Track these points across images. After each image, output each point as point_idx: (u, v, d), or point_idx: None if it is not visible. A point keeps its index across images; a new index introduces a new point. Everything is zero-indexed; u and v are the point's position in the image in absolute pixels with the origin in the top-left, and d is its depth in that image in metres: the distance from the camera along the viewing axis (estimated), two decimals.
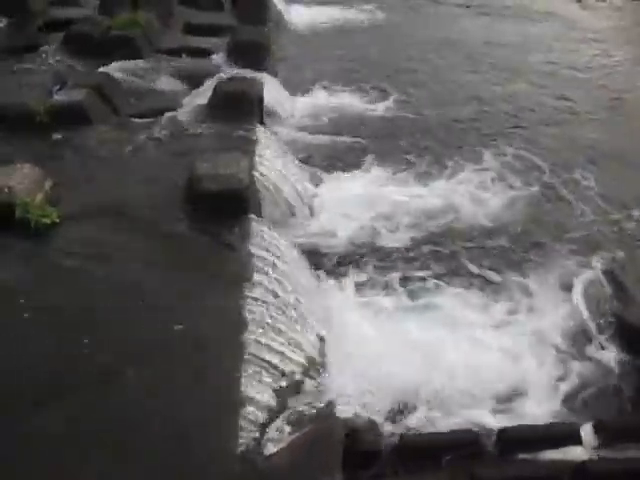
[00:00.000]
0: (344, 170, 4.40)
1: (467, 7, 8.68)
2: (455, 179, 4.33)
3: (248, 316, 2.58)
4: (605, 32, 7.61)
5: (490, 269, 3.50)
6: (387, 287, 3.31)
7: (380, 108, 5.43)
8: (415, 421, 2.52)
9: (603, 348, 2.97)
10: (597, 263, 3.49)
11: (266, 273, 2.84)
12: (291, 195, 3.66)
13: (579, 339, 3.05)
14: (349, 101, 5.46)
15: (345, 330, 2.94)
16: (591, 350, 2.99)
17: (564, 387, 2.77)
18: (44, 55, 5.48)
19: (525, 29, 7.72)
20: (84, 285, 2.77)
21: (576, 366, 2.88)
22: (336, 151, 4.68)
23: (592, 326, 3.09)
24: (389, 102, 5.51)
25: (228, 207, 3.13)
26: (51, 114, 4.20)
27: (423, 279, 3.36)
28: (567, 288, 3.33)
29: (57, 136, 4.04)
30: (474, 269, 3.49)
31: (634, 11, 8.64)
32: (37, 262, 2.95)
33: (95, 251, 3.00)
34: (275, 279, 2.85)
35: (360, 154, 4.62)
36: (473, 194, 4.16)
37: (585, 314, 3.15)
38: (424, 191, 4.17)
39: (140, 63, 5.30)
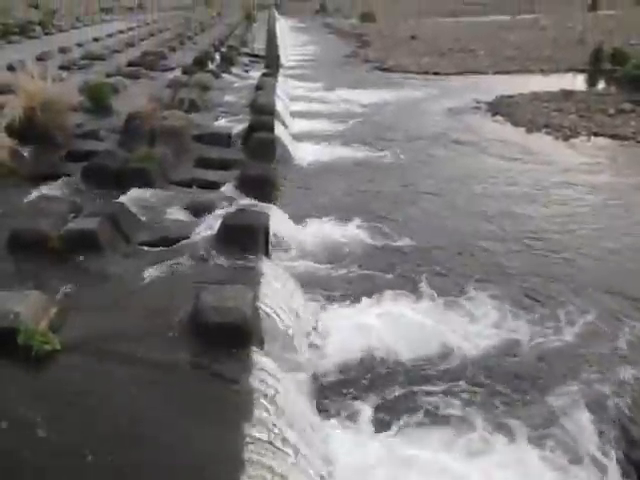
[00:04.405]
0: (348, 300, 4.43)
1: (460, 144, 9.29)
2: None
3: (246, 456, 2.49)
4: (592, 171, 8.06)
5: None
6: (390, 425, 3.22)
7: (380, 238, 5.59)
8: None
9: None
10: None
11: (267, 410, 2.78)
12: (295, 327, 3.68)
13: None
14: (352, 233, 5.62)
15: (348, 471, 2.82)
16: None
17: None
18: (64, 184, 5.83)
19: (518, 167, 8.18)
20: (80, 415, 2.71)
21: None
22: (340, 282, 4.74)
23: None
24: (391, 234, 5.67)
25: (231, 339, 3.14)
26: (64, 241, 4.36)
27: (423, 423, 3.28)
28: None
29: (68, 263, 4.16)
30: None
31: (615, 150, 9.26)
32: (34, 390, 2.91)
33: (93, 381, 2.97)
34: (276, 416, 2.78)
35: (364, 285, 4.69)
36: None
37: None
38: (434, 324, 4.18)
39: (153, 194, 5.59)
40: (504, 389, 3.58)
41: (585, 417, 3.30)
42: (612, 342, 4.06)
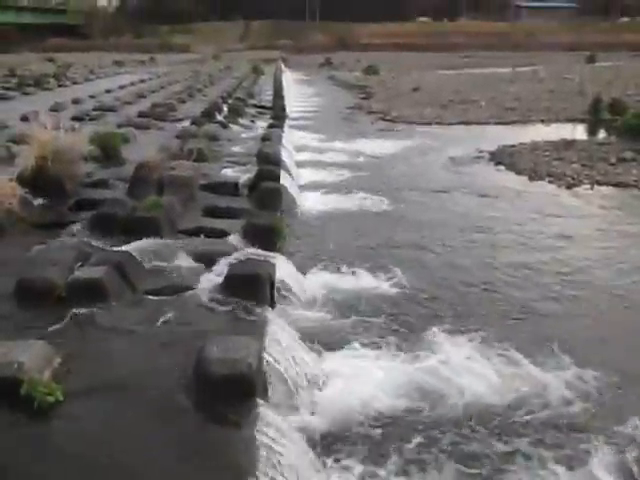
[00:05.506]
0: (354, 351, 4.36)
1: (465, 193, 9.38)
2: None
3: None
4: (602, 219, 8.09)
5: None
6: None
7: (388, 288, 5.55)
8: None
9: None
10: None
11: (271, 463, 2.73)
12: (300, 379, 3.64)
13: None
14: (359, 283, 5.59)
15: None
16: None
17: None
18: (72, 233, 5.89)
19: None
20: (80, 467, 2.68)
21: None
22: (346, 333, 4.69)
23: None
24: (397, 282, 5.64)
25: (236, 391, 3.11)
26: (71, 289, 4.39)
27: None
28: None
29: (74, 311, 4.17)
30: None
31: (620, 197, 9.32)
32: (35, 443, 2.87)
33: (95, 433, 2.94)
34: (279, 469, 2.73)
35: (371, 336, 4.62)
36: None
37: None
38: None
39: (160, 242, 5.62)
40: None
41: None
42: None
